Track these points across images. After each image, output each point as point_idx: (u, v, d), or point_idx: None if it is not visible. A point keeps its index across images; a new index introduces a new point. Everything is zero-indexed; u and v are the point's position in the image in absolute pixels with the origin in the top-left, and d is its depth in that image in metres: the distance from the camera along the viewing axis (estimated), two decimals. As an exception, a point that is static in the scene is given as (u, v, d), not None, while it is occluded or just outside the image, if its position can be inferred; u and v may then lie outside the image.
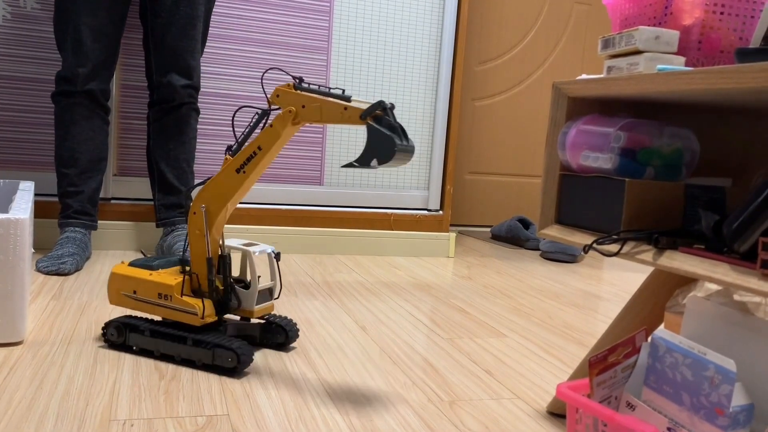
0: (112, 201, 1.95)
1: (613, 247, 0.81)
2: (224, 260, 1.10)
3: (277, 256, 1.16)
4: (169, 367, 1.05)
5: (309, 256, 2.08)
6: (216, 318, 1.09)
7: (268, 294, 1.15)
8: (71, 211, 1.73)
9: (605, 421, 0.69)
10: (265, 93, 1.06)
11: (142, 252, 1.17)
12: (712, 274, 0.69)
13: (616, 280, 2.10)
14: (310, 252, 2.12)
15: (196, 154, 2.02)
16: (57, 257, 1.61)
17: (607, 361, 0.74)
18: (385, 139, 0.92)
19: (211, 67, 2.03)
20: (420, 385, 1.06)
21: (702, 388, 0.66)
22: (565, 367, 1.21)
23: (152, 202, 1.94)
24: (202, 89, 2.02)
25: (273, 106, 1.01)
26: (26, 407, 0.87)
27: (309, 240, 2.12)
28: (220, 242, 1.11)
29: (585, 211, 0.90)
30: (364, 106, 0.96)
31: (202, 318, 1.06)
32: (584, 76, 0.92)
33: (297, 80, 1.01)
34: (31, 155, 1.91)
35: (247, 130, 1.05)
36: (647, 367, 0.73)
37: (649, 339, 0.73)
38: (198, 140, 2.03)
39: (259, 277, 1.12)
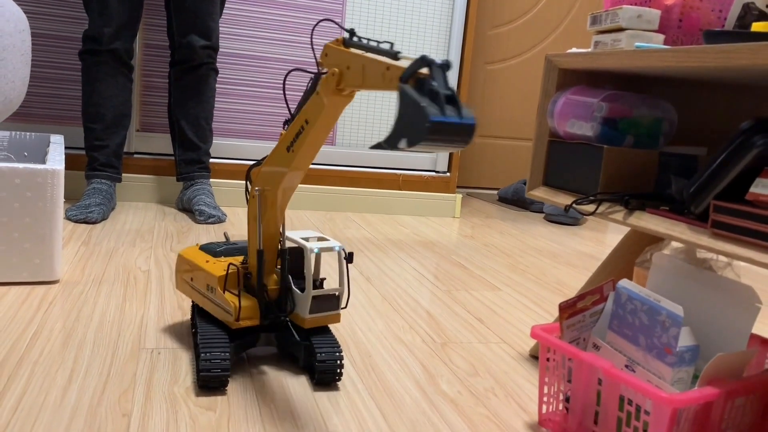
0: (136, 155, 2.06)
1: (590, 207, 0.90)
2: (283, 255, 0.93)
3: (349, 257, 0.95)
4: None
5: (320, 213, 2.19)
6: (258, 322, 0.93)
7: (332, 301, 0.94)
8: (97, 164, 1.84)
9: (570, 357, 0.80)
10: (314, 53, 0.92)
11: (225, 235, 1.05)
12: (672, 233, 0.78)
13: (615, 242, 2.19)
14: (321, 209, 2.22)
15: (215, 112, 2.11)
16: (85, 207, 1.73)
17: (576, 307, 0.84)
18: (415, 110, 0.66)
19: (230, 28, 2.11)
20: (416, 329, 1.17)
21: (655, 330, 0.76)
22: (552, 318, 1.31)
23: (173, 157, 2.04)
24: (220, 50, 2.10)
25: (323, 69, 0.82)
26: (66, 336, 0.99)
27: (321, 197, 2.22)
28: (281, 233, 0.94)
29: (569, 174, 0.98)
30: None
31: (237, 320, 0.91)
32: (574, 50, 1.00)
33: (349, 33, 0.80)
34: (60, 110, 2.02)
35: (301, 100, 0.86)
36: (611, 313, 0.82)
37: (615, 289, 0.83)
38: (217, 99, 2.12)
39: (323, 279, 0.96)
